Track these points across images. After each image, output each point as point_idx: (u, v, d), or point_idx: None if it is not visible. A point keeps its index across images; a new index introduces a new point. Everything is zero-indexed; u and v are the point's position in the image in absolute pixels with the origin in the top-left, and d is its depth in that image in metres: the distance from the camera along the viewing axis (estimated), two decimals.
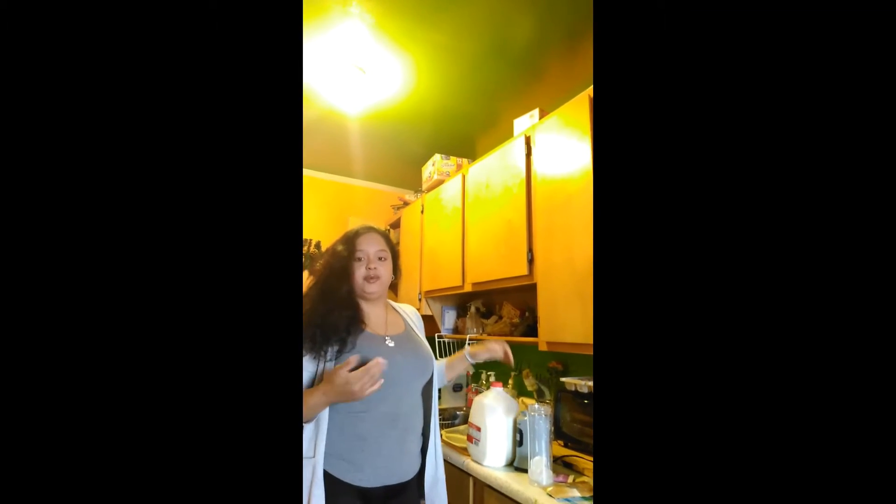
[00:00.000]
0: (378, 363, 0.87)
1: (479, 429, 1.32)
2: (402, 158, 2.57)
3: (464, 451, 1.41)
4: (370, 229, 1.12)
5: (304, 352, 0.94)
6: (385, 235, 1.14)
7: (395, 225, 2.62)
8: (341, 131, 2.23)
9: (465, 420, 1.68)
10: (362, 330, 1.01)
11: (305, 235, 2.64)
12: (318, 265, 1.11)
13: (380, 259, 1.08)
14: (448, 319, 2.20)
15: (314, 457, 0.90)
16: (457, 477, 1.39)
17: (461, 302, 2.25)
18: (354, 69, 1.70)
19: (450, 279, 1.94)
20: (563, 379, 1.45)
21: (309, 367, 0.95)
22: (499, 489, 1.20)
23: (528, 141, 1.55)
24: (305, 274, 2.59)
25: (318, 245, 2.66)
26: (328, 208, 2.75)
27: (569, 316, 1.29)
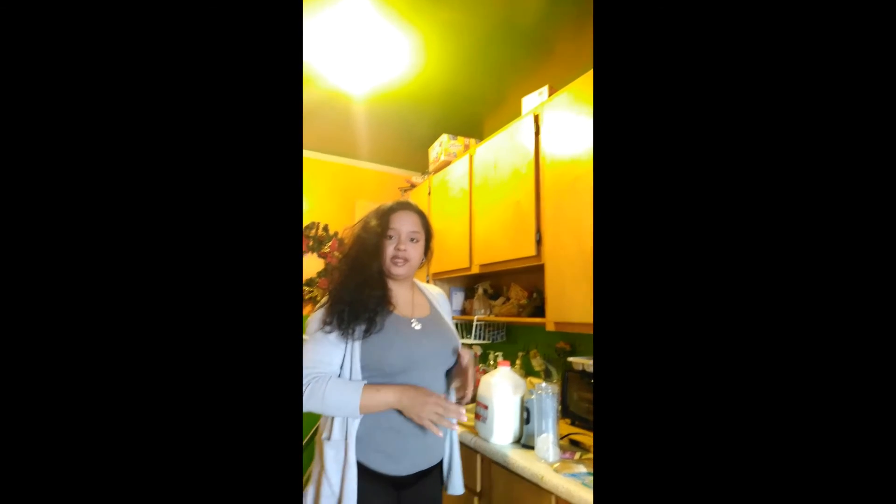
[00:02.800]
0: (458, 411, 0.90)
1: (486, 407, 1.34)
2: (409, 140, 2.54)
3: (471, 428, 1.43)
4: (405, 206, 1.05)
5: (332, 329, 0.92)
6: (421, 214, 1.07)
7: None
8: (346, 113, 2.21)
9: (473, 398, 1.70)
10: (390, 312, 0.98)
11: (313, 218, 2.65)
12: (349, 238, 1.05)
13: (412, 240, 1.03)
14: (456, 301, 2.21)
15: (345, 439, 0.90)
16: (465, 454, 1.42)
17: (469, 283, 2.25)
18: (359, 48, 1.67)
19: (457, 261, 1.94)
20: (570, 359, 1.46)
21: (339, 346, 0.93)
22: (506, 465, 1.22)
23: (536, 120, 1.52)
24: (314, 257, 2.61)
25: (325, 228, 2.67)
26: (335, 191, 2.75)
27: (576, 296, 1.29)
